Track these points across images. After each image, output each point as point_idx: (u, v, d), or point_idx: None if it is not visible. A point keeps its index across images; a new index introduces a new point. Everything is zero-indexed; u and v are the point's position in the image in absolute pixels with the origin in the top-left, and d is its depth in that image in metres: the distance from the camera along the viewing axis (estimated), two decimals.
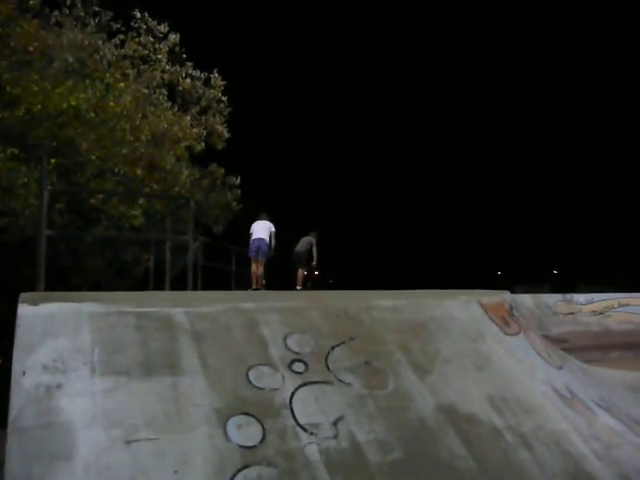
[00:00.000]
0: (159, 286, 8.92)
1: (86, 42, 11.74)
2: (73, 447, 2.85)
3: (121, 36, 12.95)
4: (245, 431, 3.19)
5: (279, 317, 4.15)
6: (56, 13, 11.89)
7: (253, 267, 11.20)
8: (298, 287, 11.98)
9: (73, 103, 9.88)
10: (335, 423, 3.41)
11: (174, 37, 13.57)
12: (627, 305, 12.71)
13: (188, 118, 13.60)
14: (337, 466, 3.15)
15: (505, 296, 5.54)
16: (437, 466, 3.35)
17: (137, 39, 13.13)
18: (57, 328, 3.48)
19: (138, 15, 13.21)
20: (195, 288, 8.92)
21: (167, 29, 13.51)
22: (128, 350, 3.49)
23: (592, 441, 3.87)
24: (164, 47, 13.43)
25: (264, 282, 11.73)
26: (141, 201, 10.96)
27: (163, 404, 3.20)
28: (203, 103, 14.22)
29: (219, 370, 3.55)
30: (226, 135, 14.46)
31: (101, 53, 12.15)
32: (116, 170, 10.79)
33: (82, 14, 12.29)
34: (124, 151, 10.99)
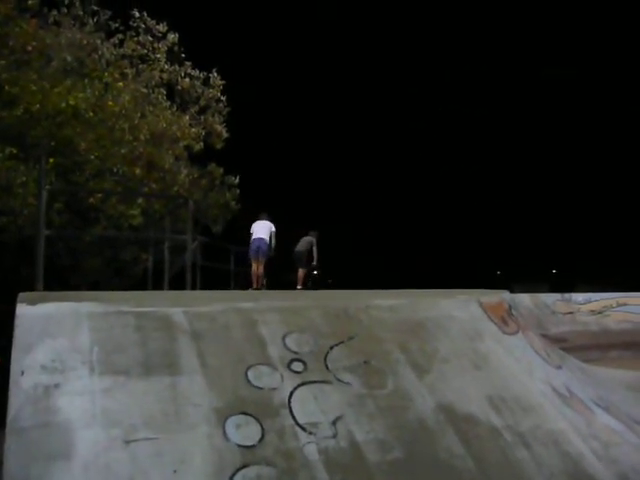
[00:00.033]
0: (158, 286, 8.91)
1: (84, 41, 11.72)
2: (72, 447, 2.85)
3: (120, 35, 12.93)
4: (244, 431, 3.19)
5: (278, 317, 4.15)
6: (54, 12, 11.87)
7: (253, 267, 11.23)
8: (299, 287, 12.01)
9: (72, 102, 9.86)
10: (334, 423, 3.41)
11: (173, 36, 13.55)
12: (625, 304, 12.74)
13: (187, 118, 13.58)
14: (336, 465, 3.15)
15: (504, 295, 5.54)
16: (436, 465, 3.35)
17: (136, 38, 13.12)
18: (55, 328, 3.48)
19: (137, 14, 13.20)
20: (194, 288, 8.91)
21: (166, 28, 13.50)
22: (127, 350, 3.49)
23: (591, 440, 3.88)
24: (163, 46, 13.42)
25: (265, 282, 11.76)
26: (140, 201, 10.94)
27: (162, 404, 3.20)
28: (202, 103, 14.21)
29: (218, 370, 3.54)
30: (225, 135, 14.45)
31: (100, 52, 12.13)
32: (115, 170, 10.77)
33: (80, 13, 12.27)
34: (123, 151, 10.97)
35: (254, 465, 3.02)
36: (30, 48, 10.07)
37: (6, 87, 9.28)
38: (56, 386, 3.12)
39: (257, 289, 10.58)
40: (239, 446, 3.09)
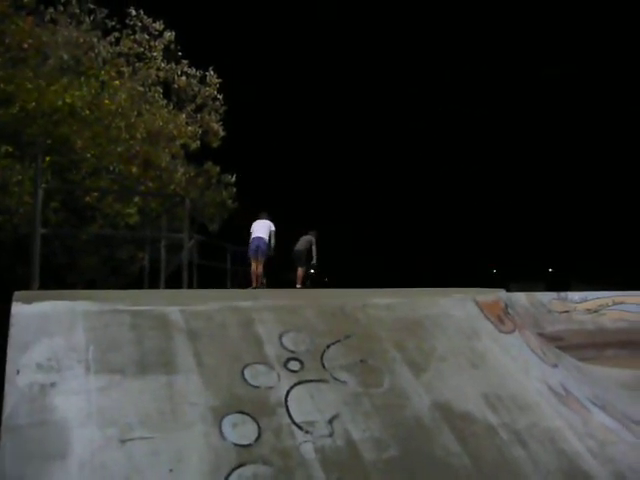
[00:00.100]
0: (154, 284, 8.91)
1: (81, 39, 11.70)
2: (67, 446, 2.84)
3: (116, 34, 12.92)
4: (240, 429, 3.19)
5: (274, 315, 4.15)
6: (51, 10, 11.85)
7: (253, 266, 11.29)
8: (298, 285, 12.07)
9: (68, 101, 9.84)
10: (330, 421, 3.41)
11: (169, 35, 13.55)
12: (621, 303, 12.78)
13: (183, 116, 13.58)
14: (332, 464, 3.15)
15: (500, 294, 5.55)
16: (432, 464, 3.36)
17: (132, 37, 13.11)
18: (51, 327, 3.47)
19: (133, 13, 13.20)
20: (190, 286, 8.91)
21: (162, 27, 13.50)
22: (123, 348, 3.48)
23: (587, 439, 3.89)
24: (159, 45, 13.41)
25: (264, 281, 11.79)
26: (136, 199, 10.94)
27: (158, 402, 3.20)
28: (198, 101, 14.22)
29: (214, 368, 3.54)
30: (221, 133, 14.46)
31: (96, 51, 12.12)
32: (111, 168, 10.76)
33: (77, 11, 12.26)
34: (119, 149, 10.96)
35: (250, 464, 3.01)
36: (26, 46, 10.05)
37: (2, 85, 9.25)
38: (52, 385, 3.11)
39: (256, 288, 10.61)
40: (235, 445, 3.08)
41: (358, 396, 3.66)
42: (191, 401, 3.26)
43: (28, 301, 3.58)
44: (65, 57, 11.03)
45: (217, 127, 14.31)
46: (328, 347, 3.98)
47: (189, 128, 13.45)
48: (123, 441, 2.93)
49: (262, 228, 11.42)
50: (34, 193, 6.94)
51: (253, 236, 11.41)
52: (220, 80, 14.42)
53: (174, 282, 8.64)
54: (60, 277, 10.11)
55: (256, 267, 11.27)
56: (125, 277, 12.00)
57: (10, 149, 9.05)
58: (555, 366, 5.07)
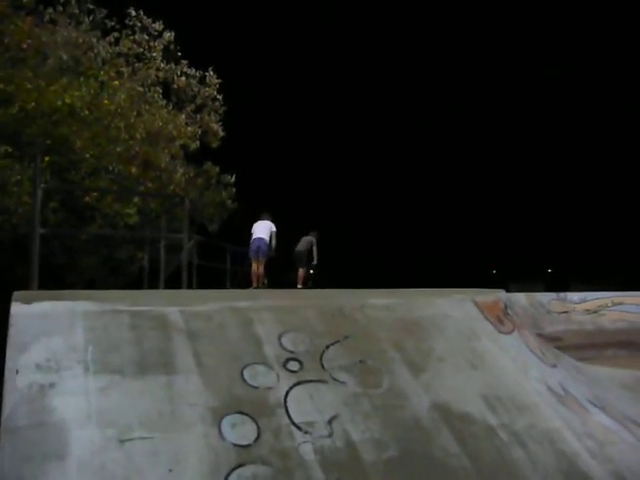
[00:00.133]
0: (154, 285, 8.91)
1: (80, 40, 11.70)
2: (66, 446, 2.84)
3: (115, 34, 12.91)
4: (240, 430, 3.19)
5: (274, 316, 4.15)
6: (50, 10, 11.84)
7: (254, 266, 11.35)
8: (299, 286, 12.12)
9: (67, 101, 9.84)
10: (330, 422, 3.41)
11: (169, 35, 13.54)
12: (621, 304, 12.77)
13: (183, 116, 13.58)
14: (332, 465, 3.15)
15: (500, 295, 5.55)
16: (431, 464, 3.36)
17: (132, 37, 13.10)
18: (50, 327, 3.47)
19: (133, 13, 13.19)
20: (190, 287, 8.91)
21: (162, 27, 13.49)
22: (122, 349, 3.48)
23: (586, 439, 3.89)
24: (159, 45, 13.41)
25: (266, 281, 11.82)
26: (136, 199, 10.93)
27: (157, 403, 3.19)
28: (198, 101, 14.21)
29: (214, 369, 3.54)
30: (221, 133, 14.46)
31: (95, 51, 12.11)
32: (110, 168, 10.75)
33: (76, 11, 12.25)
34: (118, 149, 10.95)
35: (250, 464, 3.01)
36: (25, 46, 10.04)
37: (1, 85, 9.25)
38: (51, 385, 3.11)
39: (257, 288, 10.65)
40: (235, 445, 3.08)
41: (357, 397, 3.66)
42: (190, 401, 3.26)
43: (27, 301, 3.58)
44: (64, 57, 11.02)
45: (217, 127, 14.31)
46: (327, 347, 3.99)
47: (189, 128, 13.45)
48: (122, 441, 2.93)
49: (263, 229, 11.48)
50: (33, 193, 6.94)
51: (254, 237, 11.47)
52: (220, 80, 14.42)
53: (173, 282, 8.64)
54: (59, 277, 10.11)
55: (257, 267, 11.33)
56: (124, 277, 11.99)
57: (9, 149, 9.05)
58: (554, 366, 5.07)
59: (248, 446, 3.11)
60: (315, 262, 12.56)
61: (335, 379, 3.75)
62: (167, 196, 11.75)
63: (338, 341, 4.08)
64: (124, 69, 12.55)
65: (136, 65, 13.15)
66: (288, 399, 3.47)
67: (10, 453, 2.76)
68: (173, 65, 13.75)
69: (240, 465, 2.99)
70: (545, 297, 12.56)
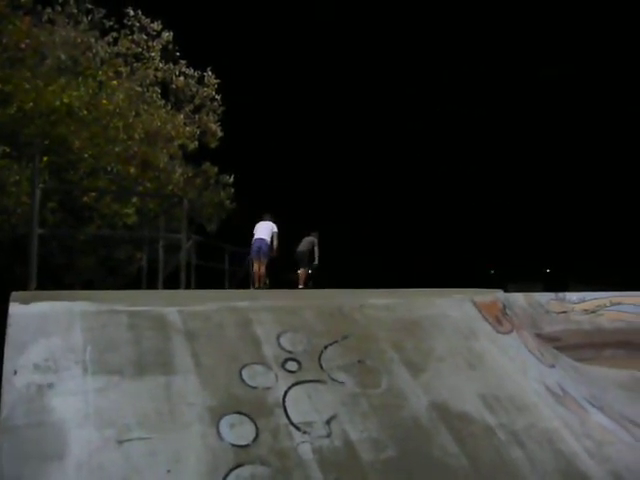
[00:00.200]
0: (152, 285, 8.89)
1: (79, 40, 11.69)
2: (65, 447, 2.83)
3: (114, 34, 12.92)
4: (238, 430, 3.19)
5: (272, 316, 4.15)
6: (48, 10, 11.84)
7: (255, 267, 11.46)
8: (300, 286, 12.17)
9: (65, 101, 9.84)
10: (328, 422, 3.41)
11: (167, 35, 13.54)
12: (619, 304, 12.77)
13: (181, 116, 13.57)
14: (330, 465, 3.15)
15: (498, 295, 5.56)
16: (430, 464, 3.36)
17: (130, 37, 13.10)
18: (49, 327, 3.46)
19: (131, 13, 13.18)
20: (188, 287, 8.90)
21: (160, 27, 13.49)
22: (120, 349, 3.48)
23: (584, 439, 3.89)
24: (157, 45, 13.41)
25: (267, 282, 11.86)
26: (134, 199, 10.94)
27: (156, 403, 3.19)
28: (197, 101, 14.21)
29: (212, 369, 3.54)
30: (219, 134, 14.46)
31: (94, 51, 12.11)
32: (109, 168, 10.75)
33: (75, 11, 12.25)
34: (117, 149, 10.95)
35: (248, 464, 3.01)
36: (24, 46, 10.04)
37: None
38: (49, 386, 3.11)
39: (259, 288, 10.69)
40: (233, 445, 3.08)
41: (356, 397, 3.66)
42: (189, 401, 3.26)
43: (25, 301, 3.58)
44: (63, 57, 11.02)
45: (215, 127, 14.31)
46: (326, 347, 3.99)
47: (187, 128, 13.45)
48: (121, 442, 2.93)
49: (264, 230, 11.56)
50: (31, 193, 6.92)
51: (255, 237, 11.53)
52: (218, 80, 14.43)
53: (172, 282, 8.63)
54: (58, 277, 10.10)
55: (258, 268, 11.41)
56: (123, 277, 11.99)
57: (7, 149, 9.05)
58: (553, 366, 5.07)
59: (246, 446, 3.11)
60: (316, 262, 12.63)
61: (334, 379, 3.75)
62: (165, 196, 11.75)
63: (337, 341, 4.08)
64: (122, 69, 12.55)
65: (134, 65, 13.15)
66: (286, 399, 3.47)
67: (8, 453, 2.76)
68: (171, 65, 13.75)
69: (238, 465, 2.98)
70: (544, 297, 12.56)
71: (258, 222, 11.84)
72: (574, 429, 3.97)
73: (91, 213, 10.53)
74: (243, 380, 3.52)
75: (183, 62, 13.99)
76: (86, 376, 3.23)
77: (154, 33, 13.40)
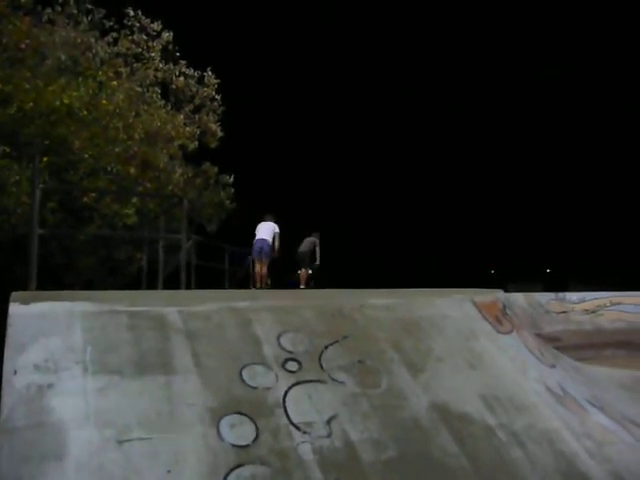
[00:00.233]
0: (152, 285, 8.89)
1: (79, 40, 11.69)
2: (65, 447, 2.83)
3: (114, 34, 12.90)
4: (238, 430, 3.18)
5: (273, 316, 4.15)
6: (48, 11, 11.84)
7: (257, 267, 11.49)
8: (301, 286, 12.19)
9: (65, 101, 9.83)
10: (328, 422, 3.41)
11: (167, 35, 13.53)
12: (619, 304, 12.76)
13: (181, 117, 13.57)
14: (330, 465, 3.15)
15: (498, 295, 5.55)
16: (430, 464, 3.36)
17: (130, 37, 13.09)
18: (49, 327, 3.46)
19: (131, 13, 13.17)
20: (188, 287, 8.89)
21: (160, 27, 13.48)
22: (121, 349, 3.48)
23: (584, 439, 3.89)
24: (157, 45, 13.40)
25: (269, 282, 11.89)
26: (134, 200, 10.93)
27: (156, 403, 3.19)
28: (196, 101, 14.21)
29: (212, 369, 3.54)
30: (219, 134, 14.45)
31: (94, 51, 12.10)
32: (109, 168, 10.75)
33: (75, 12, 12.24)
34: (117, 149, 10.95)
35: (248, 465, 3.01)
36: (24, 46, 10.04)
37: None
38: (49, 386, 3.11)
39: (260, 289, 10.70)
40: (233, 446, 3.08)
41: (356, 397, 3.66)
42: (189, 402, 3.26)
43: (25, 302, 3.58)
44: (63, 57, 11.02)
45: (215, 128, 14.31)
46: (326, 348, 3.98)
47: (187, 129, 13.45)
48: (121, 442, 2.92)
49: (266, 230, 11.59)
50: (32, 193, 6.92)
51: (256, 238, 11.56)
52: (218, 81, 14.42)
53: (172, 283, 8.63)
54: (58, 278, 10.10)
55: (260, 268, 11.44)
56: (123, 278, 11.99)
57: (7, 149, 9.05)
58: (553, 366, 5.07)
59: (247, 446, 3.11)
60: (317, 263, 12.67)
61: (334, 379, 3.75)
62: (165, 196, 11.75)
63: (337, 341, 4.08)
64: (122, 69, 12.54)
65: (134, 65, 13.14)
66: (287, 399, 3.47)
67: (8, 453, 2.76)
68: (171, 65, 13.74)
69: (239, 465, 2.98)
70: (544, 297, 12.55)
71: (259, 223, 11.86)
72: (574, 429, 3.97)
73: (91, 213, 10.53)
74: (243, 380, 3.52)
75: (183, 62, 13.98)
76: (86, 376, 3.23)
77: (154, 33, 13.39)
